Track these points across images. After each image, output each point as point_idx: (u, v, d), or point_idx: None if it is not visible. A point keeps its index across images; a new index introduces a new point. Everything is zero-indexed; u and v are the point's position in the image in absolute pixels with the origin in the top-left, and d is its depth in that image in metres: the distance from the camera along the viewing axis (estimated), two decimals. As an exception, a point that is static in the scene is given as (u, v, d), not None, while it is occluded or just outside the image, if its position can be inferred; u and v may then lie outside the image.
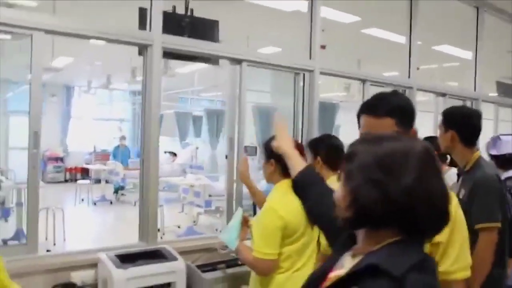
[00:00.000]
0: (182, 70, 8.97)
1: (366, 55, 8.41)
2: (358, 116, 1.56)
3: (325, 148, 2.70)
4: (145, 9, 3.18)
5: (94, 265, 2.54)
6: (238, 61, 3.23)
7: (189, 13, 4.82)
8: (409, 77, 4.61)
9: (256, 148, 8.90)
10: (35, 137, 2.44)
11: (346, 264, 1.08)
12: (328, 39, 4.09)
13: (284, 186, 2.26)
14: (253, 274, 2.29)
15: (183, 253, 2.65)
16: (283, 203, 2.20)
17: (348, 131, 3.10)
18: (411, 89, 4.61)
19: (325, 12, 3.97)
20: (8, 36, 7.21)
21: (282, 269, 2.19)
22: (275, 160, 2.28)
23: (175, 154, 11.30)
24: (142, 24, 3.31)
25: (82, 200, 10.17)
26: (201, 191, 7.46)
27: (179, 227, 7.36)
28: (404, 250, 0.97)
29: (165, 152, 13.29)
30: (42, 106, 2.51)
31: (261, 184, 7.13)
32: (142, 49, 2.82)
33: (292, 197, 2.20)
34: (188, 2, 4.97)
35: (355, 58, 8.64)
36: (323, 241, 1.70)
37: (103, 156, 13.66)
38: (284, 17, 6.01)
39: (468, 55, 6.13)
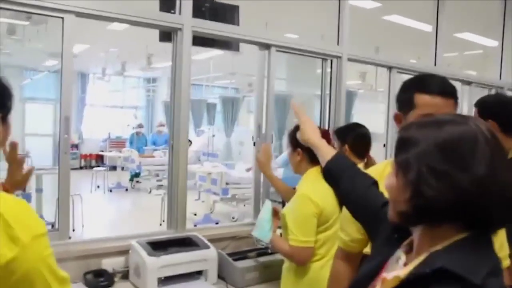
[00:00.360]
0: (197, 57, 8.92)
1: (385, 42, 8.28)
2: (411, 97, 1.45)
3: (353, 136, 2.71)
4: None
5: (124, 252, 2.52)
6: (267, 46, 3.16)
7: (209, -1, 4.77)
8: (435, 65, 4.50)
9: (272, 136, 8.87)
10: (66, 122, 2.40)
11: (400, 263, 1.00)
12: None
13: (314, 174, 2.24)
14: (286, 264, 2.26)
15: (210, 241, 2.61)
16: (316, 190, 2.18)
17: (362, 119, 3.05)
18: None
19: None
20: (26, 22, 7.19)
21: (317, 256, 2.18)
22: (302, 150, 2.26)
23: (190, 141, 11.27)
24: (165, 5, 3.25)
25: (98, 187, 10.24)
26: (218, 179, 7.46)
27: (195, 214, 7.36)
28: (476, 250, 0.88)
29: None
30: (75, 92, 2.47)
31: (278, 172, 7.12)
32: (172, 33, 2.76)
33: (323, 183, 2.16)
34: (210, -13, 4.92)
35: (373, 44, 8.52)
36: (344, 236, 1.65)
37: (117, 143, 13.72)
38: (303, 2, 5.92)
39: (491, 43, 6.00)
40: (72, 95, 2.50)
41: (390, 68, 4.00)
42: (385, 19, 6.82)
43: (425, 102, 1.41)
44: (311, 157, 2.24)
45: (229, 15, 3.80)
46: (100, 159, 13.82)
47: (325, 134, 2.21)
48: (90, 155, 14.31)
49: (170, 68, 2.82)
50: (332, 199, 2.19)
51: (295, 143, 2.28)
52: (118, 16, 2.57)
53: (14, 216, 1.06)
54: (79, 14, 2.41)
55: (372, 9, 6.27)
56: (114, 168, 11.40)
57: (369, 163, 2.71)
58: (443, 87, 1.43)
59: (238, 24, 3.68)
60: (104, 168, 11.12)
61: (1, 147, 1.28)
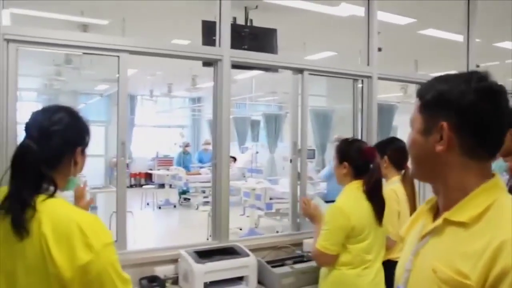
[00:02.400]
0: (239, 76, 9.28)
1: (423, 55, 8.37)
2: None
3: (392, 149, 2.91)
4: (210, 22, 3.45)
5: (174, 260, 2.82)
6: (299, 70, 3.43)
7: (248, 24, 5.08)
8: None
9: (314, 151, 9.07)
10: (122, 147, 2.75)
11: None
12: (385, 41, 4.20)
13: (354, 187, 2.44)
14: (324, 269, 2.46)
15: (251, 250, 2.87)
16: (352, 204, 2.38)
17: (405, 132, 3.20)
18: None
19: (381, 16, 4.09)
20: (80, 52, 7.82)
21: (352, 265, 2.36)
22: (348, 163, 2.46)
23: (234, 158, 11.63)
24: (207, 37, 3.56)
25: (148, 204, 10.71)
26: (262, 194, 7.71)
27: (240, 229, 7.63)
28: None
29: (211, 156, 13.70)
30: (128, 117, 2.81)
31: (321, 186, 7.27)
32: (213, 62, 3.08)
33: (361, 198, 2.40)
34: (248, 13, 5.24)
35: (412, 59, 8.62)
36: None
37: (165, 162, 14.26)
38: (340, 22, 6.15)
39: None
40: (126, 122, 2.84)
41: (419, 84, 4.16)
42: (421, 33, 6.94)
43: None
44: (356, 171, 2.45)
45: (267, 38, 4.08)
46: (149, 177, 14.40)
47: (372, 151, 2.45)
48: (140, 173, 14.93)
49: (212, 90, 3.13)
50: (368, 213, 2.38)
51: (342, 156, 2.49)
52: (166, 52, 2.92)
53: (89, 227, 1.38)
54: (132, 52, 2.77)
55: (407, 24, 6.41)
56: (162, 185, 11.88)
57: (407, 173, 2.91)
58: None
59: (276, 46, 3.95)
60: (153, 186, 11.62)
61: (77, 175, 1.61)
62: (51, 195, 1.42)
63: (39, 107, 1.59)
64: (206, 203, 10.48)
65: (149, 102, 14.58)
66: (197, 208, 10.60)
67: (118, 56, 2.73)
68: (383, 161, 2.83)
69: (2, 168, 2.45)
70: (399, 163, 2.89)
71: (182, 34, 7.03)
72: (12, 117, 2.49)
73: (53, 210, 1.39)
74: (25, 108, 2.07)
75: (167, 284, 2.75)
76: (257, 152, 11.16)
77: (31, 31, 2.55)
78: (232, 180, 10.71)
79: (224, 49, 3.06)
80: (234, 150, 13.90)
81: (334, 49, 8.09)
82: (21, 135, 1.59)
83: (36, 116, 1.51)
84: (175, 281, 2.79)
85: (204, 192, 10.96)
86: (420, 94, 1.14)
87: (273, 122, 11.90)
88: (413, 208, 2.82)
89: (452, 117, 1.05)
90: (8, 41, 2.47)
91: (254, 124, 13.30)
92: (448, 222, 1.06)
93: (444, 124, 1.05)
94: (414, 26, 6.54)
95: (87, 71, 9.13)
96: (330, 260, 2.36)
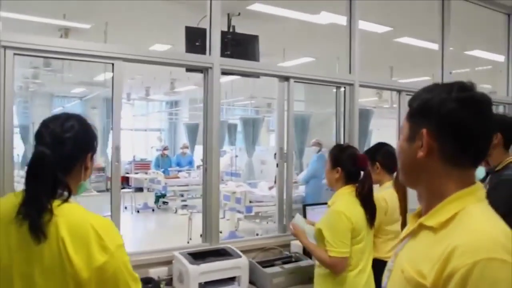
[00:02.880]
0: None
1: (398, 62, 8.63)
2: None
3: (382, 154, 3.02)
4: (193, 28, 3.54)
5: (167, 262, 2.90)
6: (286, 78, 3.56)
7: (231, 30, 5.20)
8: (442, 81, 4.80)
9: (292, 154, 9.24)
10: (117, 152, 2.82)
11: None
12: (362, 48, 4.36)
13: (347, 192, 2.55)
14: (321, 272, 2.53)
15: (242, 252, 2.97)
16: (350, 207, 2.48)
17: (379, 134, 3.35)
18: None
19: (361, 25, 4.25)
20: (76, 59, 7.79)
21: (351, 266, 2.46)
22: (341, 169, 2.56)
23: (212, 162, 11.67)
24: (189, 43, 3.64)
25: (126, 208, 10.66)
26: (242, 198, 7.80)
27: (221, 232, 7.67)
28: None
29: (202, 160, 13.75)
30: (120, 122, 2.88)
31: (299, 189, 7.42)
32: (203, 70, 3.19)
33: (355, 202, 2.53)
34: (231, 20, 5.36)
35: (387, 65, 8.88)
36: None
37: (142, 165, 14.19)
38: (320, 29, 6.32)
39: (501, 58, 6.28)
40: (120, 127, 2.91)
41: (399, 91, 4.36)
42: (397, 41, 7.17)
43: None
44: (348, 177, 2.56)
45: (249, 44, 4.20)
46: (126, 181, 14.32)
47: (364, 159, 2.58)
48: (117, 177, 14.78)
49: (203, 97, 3.26)
50: (362, 216, 2.51)
51: (335, 162, 2.59)
52: (160, 60, 3.02)
53: (103, 230, 1.47)
54: (126, 60, 2.85)
55: (384, 32, 6.63)
56: (140, 189, 11.85)
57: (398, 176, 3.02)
58: None
59: (258, 52, 4.07)
60: (130, 190, 11.57)
61: (87, 179, 1.68)
62: (66, 200, 1.49)
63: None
64: (184, 206, 10.53)
65: (126, 105, 14.51)
66: (175, 212, 10.63)
67: (112, 64, 2.81)
68: (375, 167, 2.95)
69: (0, 171, 2.50)
70: (389, 167, 3.00)
71: (163, 39, 7.10)
72: (9, 122, 2.54)
73: (69, 214, 1.46)
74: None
75: (162, 286, 2.83)
76: (236, 156, 11.25)
77: (28, 38, 2.60)
78: (211, 183, 10.73)
79: (214, 57, 3.17)
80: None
81: (313, 55, 8.27)
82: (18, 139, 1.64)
83: (47, 123, 1.56)
84: (169, 282, 2.88)
85: (182, 195, 11.00)
86: (409, 103, 1.22)
87: (251, 126, 12.02)
88: (404, 210, 2.96)
89: (432, 124, 1.10)
90: (5, 47, 2.53)
91: (231, 127, 13.39)
92: (422, 226, 1.11)
93: (424, 130, 1.10)
94: (390, 34, 6.76)
95: (65, 73, 9.09)
96: (344, 264, 2.43)
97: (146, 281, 2.78)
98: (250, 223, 8.34)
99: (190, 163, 12.59)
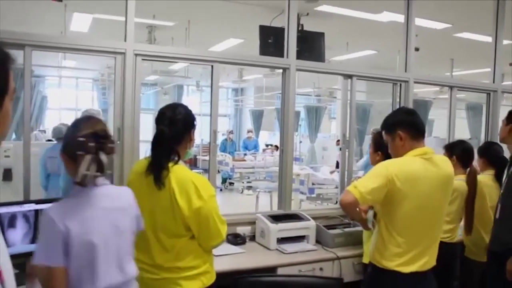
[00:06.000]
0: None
1: (459, 55, 8.95)
2: None
3: (459, 150, 3.48)
4: (266, 27, 4.21)
5: (251, 222, 3.68)
6: (349, 76, 4.22)
7: (299, 28, 5.86)
8: (493, 80, 5.13)
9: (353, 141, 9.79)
10: (214, 134, 3.62)
11: None
12: (422, 43, 4.59)
13: None
14: (366, 233, 3.10)
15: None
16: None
17: (441, 124, 3.75)
18: (495, 92, 5.07)
19: (422, 22, 4.57)
20: (186, 63, 8.72)
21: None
22: (381, 152, 3.04)
23: (277, 147, 12.48)
24: (263, 40, 4.29)
25: (196, 187, 11.57)
26: (305, 180, 8.47)
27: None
28: None
29: (266, 144, 14.56)
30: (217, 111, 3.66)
31: (359, 174, 8.00)
32: (282, 70, 3.91)
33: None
34: (300, 19, 6.03)
35: (447, 59, 9.22)
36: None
37: (209, 148, 15.10)
38: (381, 26, 6.85)
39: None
40: (217, 113, 3.70)
41: (451, 87, 4.87)
42: (457, 36, 7.54)
43: None
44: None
45: (316, 41, 4.83)
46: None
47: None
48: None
49: (281, 90, 3.97)
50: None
51: (377, 146, 3.03)
52: (249, 62, 3.82)
53: (200, 184, 2.13)
54: (222, 62, 3.63)
55: (444, 28, 7.03)
56: (206, 170, 12.71)
57: (472, 170, 3.45)
58: None
59: (324, 47, 4.66)
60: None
61: (191, 148, 2.42)
62: (176, 162, 2.14)
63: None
64: (249, 187, 11.35)
65: (195, 92, 15.47)
66: (241, 192, 11.48)
67: (212, 65, 3.59)
68: (452, 159, 3.18)
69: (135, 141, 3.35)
70: (465, 162, 3.45)
71: (237, 34, 7.87)
72: (137, 106, 3.36)
73: (177, 172, 2.11)
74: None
75: (247, 240, 3.62)
76: (300, 142, 11.89)
77: (151, 47, 3.44)
78: (276, 166, 11.57)
79: (291, 59, 3.89)
80: (276, 140, 14.75)
81: (374, 49, 8.78)
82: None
83: (164, 110, 2.21)
84: (252, 238, 3.66)
85: (248, 177, 11.83)
86: None
87: (314, 114, 12.61)
88: (471, 204, 3.35)
89: None
90: (136, 55, 3.36)
91: (295, 115, 14.00)
92: None
93: None
94: (450, 30, 7.15)
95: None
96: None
97: (235, 236, 3.58)
98: (311, 205, 8.97)
99: (256, 147, 13.44)
